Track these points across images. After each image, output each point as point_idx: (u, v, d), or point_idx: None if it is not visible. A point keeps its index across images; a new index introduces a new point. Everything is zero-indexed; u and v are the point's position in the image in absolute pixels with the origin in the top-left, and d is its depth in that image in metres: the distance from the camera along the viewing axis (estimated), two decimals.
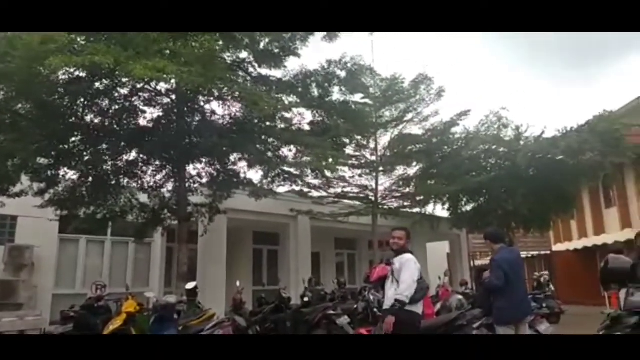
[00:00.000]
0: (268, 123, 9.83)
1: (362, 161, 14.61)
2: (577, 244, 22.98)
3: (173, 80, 7.86)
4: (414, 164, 15.20)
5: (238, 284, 9.85)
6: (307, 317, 7.99)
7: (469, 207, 16.49)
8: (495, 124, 15.08)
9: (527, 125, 14.71)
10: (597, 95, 79.04)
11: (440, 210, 16.95)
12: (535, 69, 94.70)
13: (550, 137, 13.83)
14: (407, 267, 4.50)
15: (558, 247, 24.50)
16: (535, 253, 25.53)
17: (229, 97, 9.26)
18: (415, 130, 14.99)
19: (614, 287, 4.82)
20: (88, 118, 9.29)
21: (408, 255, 4.64)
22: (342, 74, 10.24)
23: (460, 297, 7.20)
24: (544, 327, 5.25)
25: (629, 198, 19.26)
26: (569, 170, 13.57)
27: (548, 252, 24.51)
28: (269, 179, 11.21)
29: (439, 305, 7.66)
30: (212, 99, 9.66)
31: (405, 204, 15.91)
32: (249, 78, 9.85)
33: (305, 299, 8.90)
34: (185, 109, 9.89)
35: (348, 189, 15.16)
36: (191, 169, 10.85)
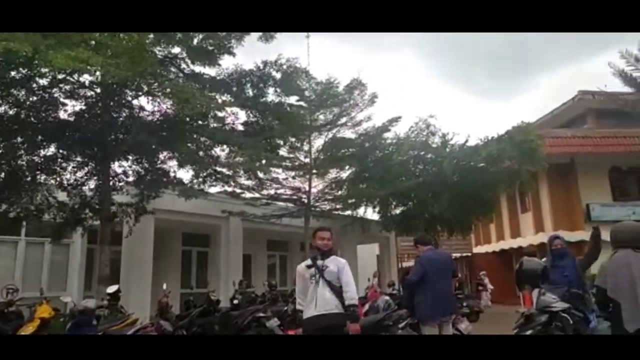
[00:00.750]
0: (200, 121, 9.58)
1: (296, 163, 14.65)
2: (496, 246, 24.47)
3: (98, 73, 7.45)
4: (347, 167, 15.47)
5: (164, 286, 9.49)
6: (235, 319, 7.85)
7: (398, 211, 17.04)
8: (424, 131, 15.73)
9: (453, 134, 15.51)
10: (517, 107, 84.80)
11: (370, 213, 17.39)
12: (462, 80, 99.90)
13: (473, 145, 14.67)
14: (347, 270, 4.28)
15: (478, 249, 25.96)
16: (458, 255, 26.85)
17: (159, 93, 8.93)
18: (348, 134, 15.28)
19: (527, 288, 5.16)
20: (1, 109, 8.56)
21: (343, 259, 4.43)
22: (278, 75, 10.22)
23: (387, 298, 7.41)
24: (464, 326, 5.54)
25: (542, 204, 20.79)
26: (489, 177, 14.44)
27: (469, 254, 25.90)
28: (200, 179, 10.91)
29: (367, 306, 7.83)
30: (140, 94, 9.25)
31: (338, 206, 16.14)
32: (181, 74, 9.56)
33: (235, 302, 8.75)
34: (111, 103, 9.40)
35: (281, 191, 15.13)
36: (116, 167, 10.34)
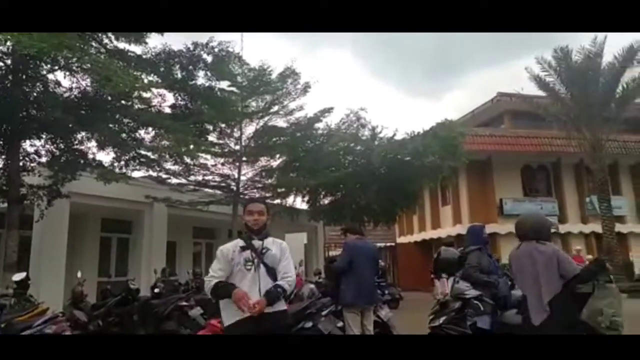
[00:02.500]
0: (123, 101, 9.08)
1: (226, 150, 14.33)
2: (418, 237, 25.62)
3: (9, 43, 6.81)
4: (277, 156, 15.39)
5: (79, 274, 8.95)
6: (156, 309, 7.59)
7: (327, 201, 17.26)
8: (354, 123, 16.03)
9: (382, 127, 15.94)
10: (443, 105, 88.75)
11: (300, 203, 17.49)
12: (394, 76, 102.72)
13: (401, 139, 15.18)
14: (289, 256, 3.40)
15: (401, 240, 27.04)
16: (382, 244, 27.79)
17: (78, 69, 8.35)
18: (280, 122, 15.18)
19: (444, 276, 5.43)
20: None
21: (283, 241, 3.48)
22: (209, 58, 9.92)
23: (312, 286, 7.51)
24: (384, 313, 5.74)
25: (461, 198, 22.02)
26: (414, 170, 15.02)
27: (393, 244, 26.89)
28: (122, 162, 10.38)
29: (292, 295, 7.89)
30: (57, 68, 8.59)
31: (267, 195, 16.05)
32: (103, 50, 8.98)
33: (156, 290, 8.44)
34: (24, 76, 8.64)
35: (209, 177, 14.76)
36: (27, 146, 9.55)
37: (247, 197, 14.98)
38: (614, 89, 17.63)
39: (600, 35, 17.46)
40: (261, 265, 3.22)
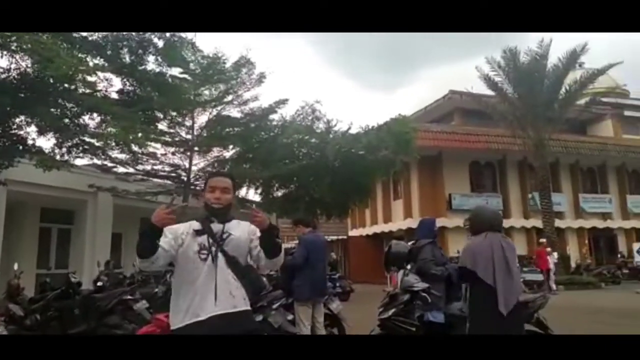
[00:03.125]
0: (66, 85, 8.58)
1: (176, 139, 13.92)
2: (369, 230, 25.99)
3: None
4: (231, 146, 15.13)
5: (16, 267, 8.44)
6: (99, 303, 7.26)
7: (280, 193, 17.16)
8: (309, 116, 15.98)
9: (337, 120, 15.97)
10: (398, 100, 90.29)
11: (253, 194, 17.29)
12: (350, 70, 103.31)
13: (355, 133, 15.29)
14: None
15: (353, 233, 27.35)
16: (334, 237, 28.02)
17: (18, 49, 7.80)
18: (234, 112, 14.91)
19: (393, 269, 5.50)
20: None
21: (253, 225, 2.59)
22: (160, 42, 9.55)
23: (263, 279, 7.44)
24: (335, 305, 5.75)
25: (412, 192, 22.50)
26: (368, 164, 15.18)
27: (345, 237, 27.16)
28: (64, 149, 9.85)
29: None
30: None
31: None
32: None
33: (99, 284, 8.09)
34: None
35: (158, 167, 14.31)
36: None
37: (198, 188, 14.66)
38: (557, 91, 18.51)
39: (547, 38, 18.28)
40: (219, 255, 2.50)
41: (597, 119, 26.46)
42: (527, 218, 22.18)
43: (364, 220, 26.90)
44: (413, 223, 21.45)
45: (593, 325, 8.08)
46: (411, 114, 21.80)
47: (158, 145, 13.44)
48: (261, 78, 14.39)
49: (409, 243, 5.90)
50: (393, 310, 4.68)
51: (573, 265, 21.10)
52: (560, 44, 31.72)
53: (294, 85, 71.36)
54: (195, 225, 2.60)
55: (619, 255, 22.35)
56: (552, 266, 15.78)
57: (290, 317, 5.16)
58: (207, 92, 14.15)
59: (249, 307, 2.56)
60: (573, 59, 18.29)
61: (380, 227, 24.73)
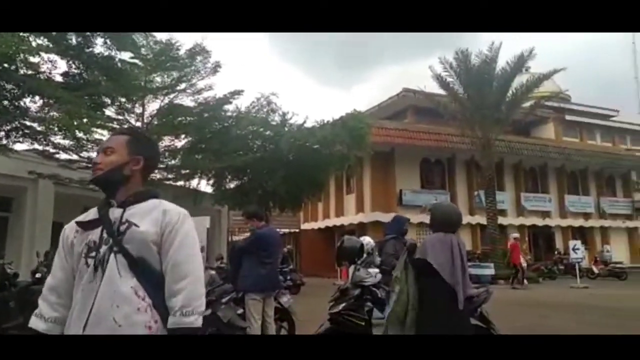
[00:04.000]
0: (6, 64, 8.05)
1: (125, 126, 13.39)
2: (321, 224, 26.15)
3: None
4: (183, 136, 14.73)
5: None
6: (36, 295, 6.92)
7: (232, 185, 16.93)
8: (264, 108, 15.82)
9: (292, 114, 15.91)
10: (353, 96, 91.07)
11: (204, 186, 16.96)
12: (308, 64, 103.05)
13: (310, 127, 15.29)
14: (188, 232, 1.86)
15: (305, 226, 27.44)
16: (287, 231, 28.00)
17: None
18: (187, 101, 14.48)
19: (345, 264, 5.55)
20: None
21: (178, 208, 1.90)
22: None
23: (213, 272, 7.29)
24: (285, 299, 5.74)
25: (364, 187, 22.82)
26: (322, 158, 15.23)
27: (297, 230, 27.21)
28: (3, 133, 9.26)
29: None
30: None
31: (169, 176, 15.33)
32: None
33: (38, 275, 7.67)
34: None
35: None
36: None
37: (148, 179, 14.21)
38: (504, 93, 19.25)
39: (497, 41, 18.95)
40: (112, 257, 1.65)
41: (540, 121, 27.81)
42: (472, 215, 23.01)
43: (316, 214, 27.03)
44: (365, 217, 21.79)
45: (529, 318, 8.52)
46: (366, 110, 22.05)
47: (105, 132, 12.85)
48: (216, 67, 14.06)
49: (360, 238, 5.99)
50: (343, 304, 4.73)
51: None
52: (509, 48, 32.97)
53: (250, 77, 70.60)
54: (90, 213, 1.82)
55: (556, 252, 23.66)
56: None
57: (240, 311, 5.10)
58: (158, 78, 13.67)
59: (156, 330, 1.66)
60: (520, 63, 19.07)
61: (333, 221, 24.94)
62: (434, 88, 20.67)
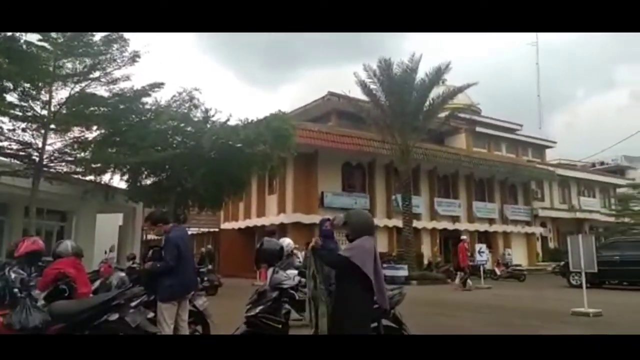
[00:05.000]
0: None
1: (29, 113, 12.29)
2: (242, 223, 25.79)
3: None
4: (95, 127, 13.83)
5: None
6: None
7: (149, 181, 16.18)
8: (186, 103, 15.29)
9: (216, 110, 15.49)
10: (279, 97, 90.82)
11: (117, 181, 16.05)
12: (234, 61, 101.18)
13: (234, 125, 14.99)
14: None
15: (225, 226, 26.91)
16: (206, 230, 27.29)
17: None
18: (101, 91, 13.63)
19: (263, 265, 5.49)
20: None
21: None
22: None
23: (122, 274, 6.86)
24: (201, 302, 5.54)
25: (287, 188, 22.83)
26: (245, 157, 15.02)
27: (217, 230, 26.60)
28: None
29: (97, 283, 7.12)
30: None
31: (78, 169, 14.32)
32: None
33: None
34: None
35: (4, 143, 12.52)
36: None
37: (52, 170, 13.17)
38: (423, 103, 20.18)
39: (417, 53, 19.84)
40: None
41: (454, 132, 29.53)
42: (390, 218, 23.86)
43: (237, 214, 26.61)
44: (286, 218, 21.80)
45: (437, 318, 8.97)
46: (291, 111, 22.09)
47: (5, 119, 11.78)
48: (135, 57, 13.35)
49: (280, 240, 5.96)
50: (261, 307, 4.67)
51: (426, 262, 23.30)
52: (428, 60, 34.70)
53: (172, 70, 67.81)
54: None
55: None
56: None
57: (150, 315, 4.83)
58: (69, 64, 12.73)
59: None
60: (438, 75, 20.10)
61: (254, 221, 24.69)
62: (358, 94, 21.21)
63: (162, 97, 15.35)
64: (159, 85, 14.37)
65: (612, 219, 31.74)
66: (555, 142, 37.17)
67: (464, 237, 18.52)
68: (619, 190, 35.31)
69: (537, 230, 30.98)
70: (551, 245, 32.16)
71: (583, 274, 9.85)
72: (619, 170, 41.21)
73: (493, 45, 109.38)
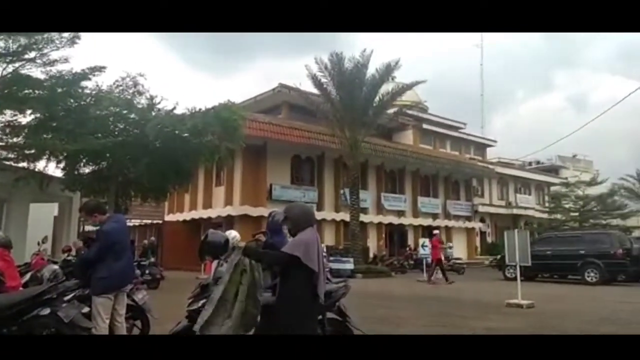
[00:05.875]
0: None
1: None
2: (187, 215, 25.19)
3: None
4: (29, 111, 13.00)
5: None
6: None
7: (87, 170, 15.41)
8: (130, 89, 14.64)
9: (162, 98, 14.92)
10: (229, 86, 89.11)
11: (53, 169, 15.17)
12: (181, 48, 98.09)
13: (180, 114, 14.52)
14: None
15: (170, 217, 26.20)
16: (149, 221, 26.45)
17: None
18: (36, 72, 12.82)
19: (208, 258, 5.35)
20: None
21: None
22: None
23: (55, 267, 6.50)
24: (141, 296, 5.35)
25: (234, 180, 22.49)
26: (192, 147, 14.59)
27: (160, 222, 25.85)
28: None
29: (28, 276, 6.71)
30: None
31: (10, 155, 13.42)
32: None
33: None
34: None
35: None
36: None
37: None
38: (372, 98, 20.46)
39: (368, 49, 20.04)
40: None
41: (401, 128, 30.21)
42: (337, 211, 24.10)
43: (182, 205, 25.97)
44: (233, 211, 21.51)
45: (379, 310, 9.16)
46: (241, 102, 21.73)
47: None
48: (74, 39, 12.66)
49: (226, 232, 5.84)
50: (203, 301, 4.55)
51: (371, 255, 23.75)
52: (378, 57, 35.19)
53: (116, 54, 64.89)
54: None
55: (407, 248, 25.90)
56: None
57: (85, 309, 4.61)
58: (1, 43, 11.89)
59: None
60: (388, 72, 20.42)
61: (199, 213, 24.17)
62: (309, 87, 21.18)
63: (103, 81, 14.71)
64: (101, 68, 13.71)
65: (545, 216, 33.68)
66: (495, 141, 38.94)
67: (436, 232, 18.96)
68: (552, 188, 37.49)
69: (477, 225, 32.35)
70: (489, 239, 33.70)
71: (518, 268, 10.34)
72: (553, 170, 43.69)
73: (440, 45, 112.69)
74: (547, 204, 35.55)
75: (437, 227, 29.40)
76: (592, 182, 32.53)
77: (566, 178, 35.52)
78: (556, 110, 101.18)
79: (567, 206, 31.39)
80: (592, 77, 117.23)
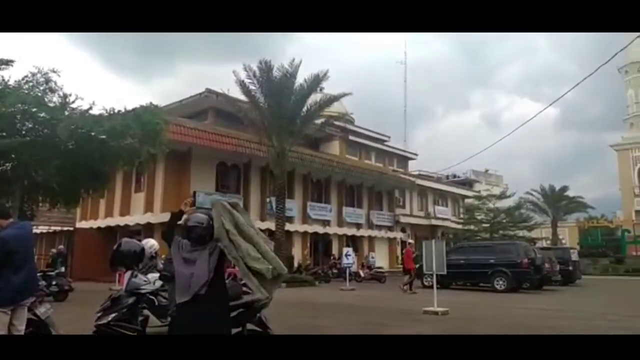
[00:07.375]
0: None
1: None
2: (102, 222, 23.77)
3: None
4: None
5: None
6: None
7: None
8: (41, 85, 13.60)
9: (77, 97, 13.98)
10: (151, 88, 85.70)
11: None
12: (98, 45, 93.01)
13: (97, 115, 13.67)
14: None
15: (83, 224, 24.56)
16: (59, 228, 24.65)
17: None
18: None
19: (120, 268, 5.06)
20: None
21: None
22: None
23: None
24: (44, 310, 4.92)
25: (156, 186, 21.58)
26: (108, 151, 13.80)
27: (71, 229, 24.14)
28: None
29: None
30: None
31: None
32: None
33: None
34: None
35: None
36: None
37: None
38: (301, 108, 20.58)
39: (297, 59, 20.16)
40: None
41: (328, 138, 30.69)
42: (263, 220, 23.89)
43: (97, 212, 24.48)
44: (153, 218, 20.59)
45: (302, 320, 9.16)
46: (165, 105, 20.93)
47: None
48: None
49: (143, 241, 5.57)
50: (114, 314, 4.29)
51: (296, 264, 23.75)
52: (307, 66, 35.65)
53: (26, 47, 60.19)
54: None
55: (331, 257, 26.23)
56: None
57: None
58: None
59: None
60: (316, 82, 20.67)
61: (116, 220, 22.89)
62: (237, 93, 20.89)
63: (10, 76, 13.50)
64: (8, 62, 12.65)
65: (460, 226, 35.67)
66: (417, 155, 40.76)
67: (410, 241, 19.17)
68: (466, 200, 39.83)
69: (398, 235, 33.52)
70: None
71: (434, 276, 10.81)
72: (467, 183, 46.48)
73: (367, 59, 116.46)
74: (461, 216, 37.67)
75: (361, 237, 30.11)
76: (502, 196, 35.02)
77: (479, 191, 37.90)
78: (472, 127, 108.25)
79: (479, 218, 33.47)
80: (504, 98, 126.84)
